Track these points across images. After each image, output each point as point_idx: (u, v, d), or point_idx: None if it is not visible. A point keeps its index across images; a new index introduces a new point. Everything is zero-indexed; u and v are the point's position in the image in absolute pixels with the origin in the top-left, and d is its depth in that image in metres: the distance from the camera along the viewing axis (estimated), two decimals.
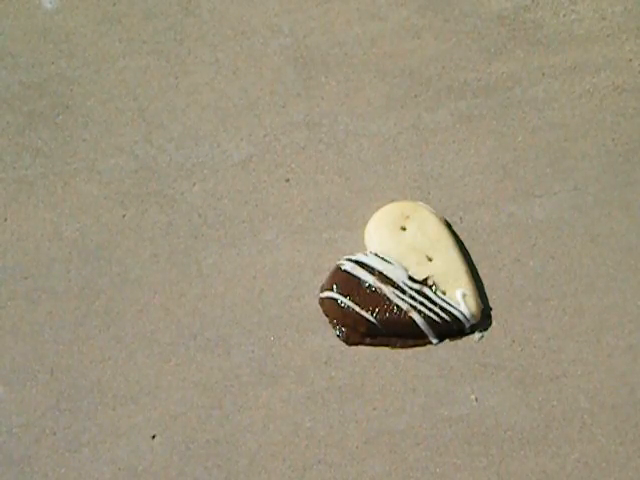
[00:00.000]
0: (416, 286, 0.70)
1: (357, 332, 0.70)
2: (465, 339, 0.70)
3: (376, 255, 0.71)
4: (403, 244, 0.71)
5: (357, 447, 0.67)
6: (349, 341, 0.70)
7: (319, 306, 0.71)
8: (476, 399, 0.68)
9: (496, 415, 0.68)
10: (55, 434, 0.68)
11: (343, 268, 0.71)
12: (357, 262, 0.70)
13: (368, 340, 0.70)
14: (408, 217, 0.72)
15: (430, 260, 0.71)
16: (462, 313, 0.69)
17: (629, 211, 0.74)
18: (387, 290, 0.69)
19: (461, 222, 0.74)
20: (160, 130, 0.78)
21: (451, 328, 0.70)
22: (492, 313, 0.71)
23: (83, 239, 0.74)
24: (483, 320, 0.71)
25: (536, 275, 0.72)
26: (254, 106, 0.79)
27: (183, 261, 0.73)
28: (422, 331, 0.69)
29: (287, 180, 0.76)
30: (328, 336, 0.70)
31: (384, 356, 0.70)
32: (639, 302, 0.71)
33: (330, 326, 0.70)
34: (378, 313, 0.69)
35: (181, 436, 0.68)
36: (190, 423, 0.68)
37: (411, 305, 0.69)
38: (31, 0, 0.84)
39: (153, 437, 0.68)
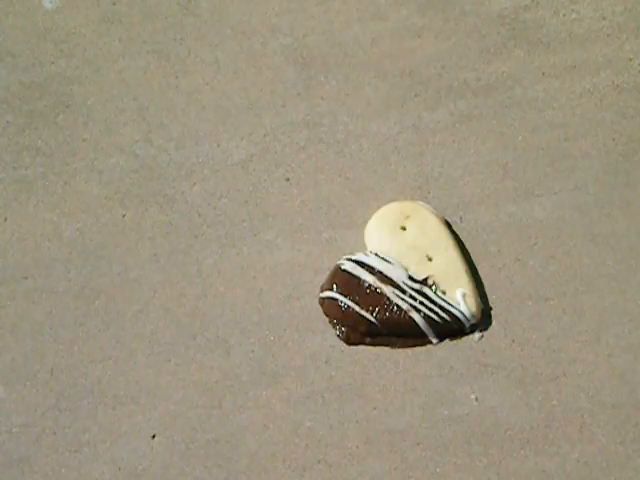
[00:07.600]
0: (416, 286, 0.70)
1: (357, 332, 0.70)
2: (465, 339, 0.70)
3: (376, 255, 0.71)
4: (403, 244, 0.71)
5: (357, 447, 0.67)
6: (349, 341, 0.70)
7: (319, 306, 0.71)
8: (476, 399, 0.68)
9: (496, 415, 0.68)
10: (55, 434, 0.68)
11: (343, 268, 0.71)
12: (357, 262, 0.70)
13: (368, 340, 0.70)
14: (408, 217, 0.72)
15: (430, 260, 0.71)
16: (462, 313, 0.69)
17: (629, 211, 0.74)
18: (387, 290, 0.69)
19: (461, 222, 0.74)
20: (160, 130, 0.78)
21: (451, 328, 0.70)
22: (492, 313, 0.71)
23: (83, 239, 0.74)
24: (483, 320, 0.71)
25: (536, 275, 0.72)
26: (254, 106, 0.79)
27: (183, 261, 0.73)
28: (422, 331, 0.69)
29: (287, 180, 0.76)
30: (328, 336, 0.70)
31: (384, 356, 0.70)
32: (639, 302, 0.71)
33: (330, 326, 0.70)
34: (378, 313, 0.69)
35: (181, 436, 0.68)
36: (190, 423, 0.68)
37: (411, 305, 0.69)
38: (31, 0, 0.84)
39: (153, 437, 0.68)
